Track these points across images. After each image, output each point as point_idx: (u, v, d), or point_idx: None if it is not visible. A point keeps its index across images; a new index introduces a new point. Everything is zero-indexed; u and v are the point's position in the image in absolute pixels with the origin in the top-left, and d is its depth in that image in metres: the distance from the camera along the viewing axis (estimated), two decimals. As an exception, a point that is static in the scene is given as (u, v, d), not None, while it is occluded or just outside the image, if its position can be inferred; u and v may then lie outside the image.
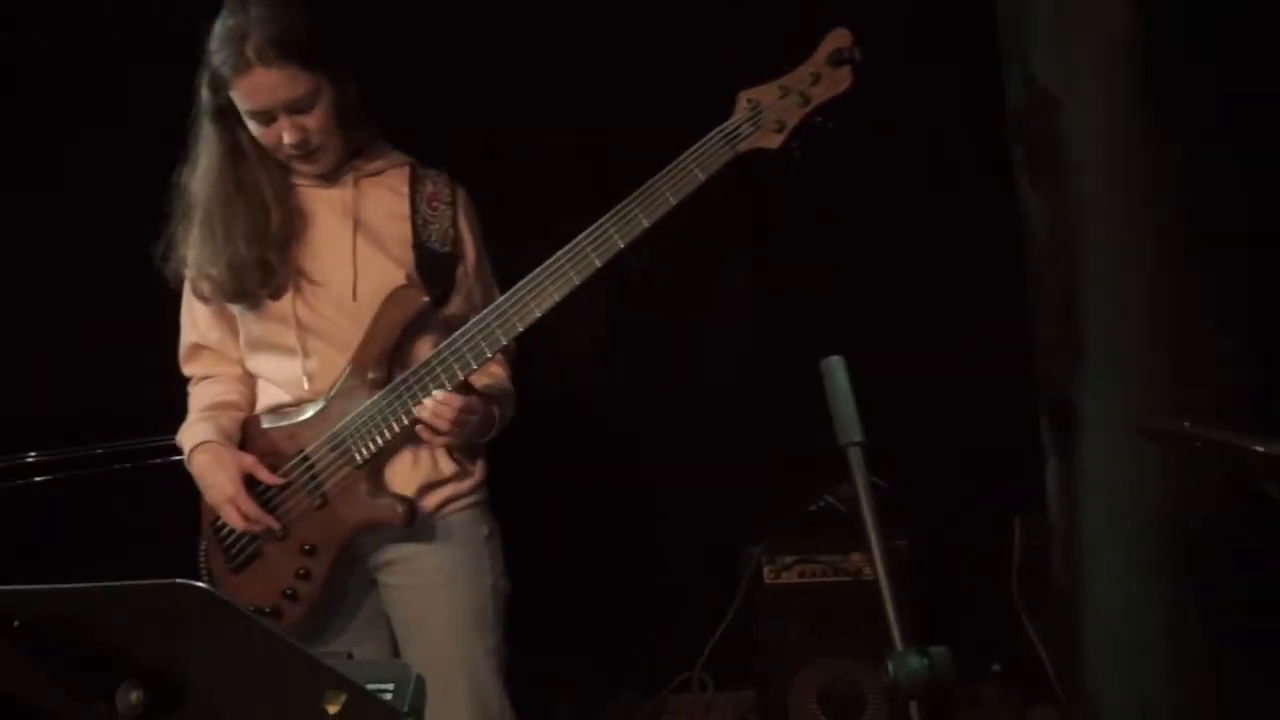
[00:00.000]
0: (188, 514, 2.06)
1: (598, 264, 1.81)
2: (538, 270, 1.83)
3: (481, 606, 1.99)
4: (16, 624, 1.04)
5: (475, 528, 2.01)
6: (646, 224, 1.79)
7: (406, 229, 1.98)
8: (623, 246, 1.80)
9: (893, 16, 2.75)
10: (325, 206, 1.98)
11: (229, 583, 1.98)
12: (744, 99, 1.79)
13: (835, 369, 1.25)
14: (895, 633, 1.11)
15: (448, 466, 1.96)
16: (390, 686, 1.10)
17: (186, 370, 2.09)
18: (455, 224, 2.01)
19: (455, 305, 1.99)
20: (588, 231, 1.81)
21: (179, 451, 2.01)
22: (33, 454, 2.66)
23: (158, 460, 2.55)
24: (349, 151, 1.98)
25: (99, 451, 2.64)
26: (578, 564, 2.88)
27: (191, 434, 1.96)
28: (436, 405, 1.84)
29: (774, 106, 1.78)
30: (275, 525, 1.91)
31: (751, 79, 1.81)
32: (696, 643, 3.07)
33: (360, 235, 1.96)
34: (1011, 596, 2.95)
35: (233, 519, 1.90)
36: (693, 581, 3.14)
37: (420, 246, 1.98)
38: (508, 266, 2.01)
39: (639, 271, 2.60)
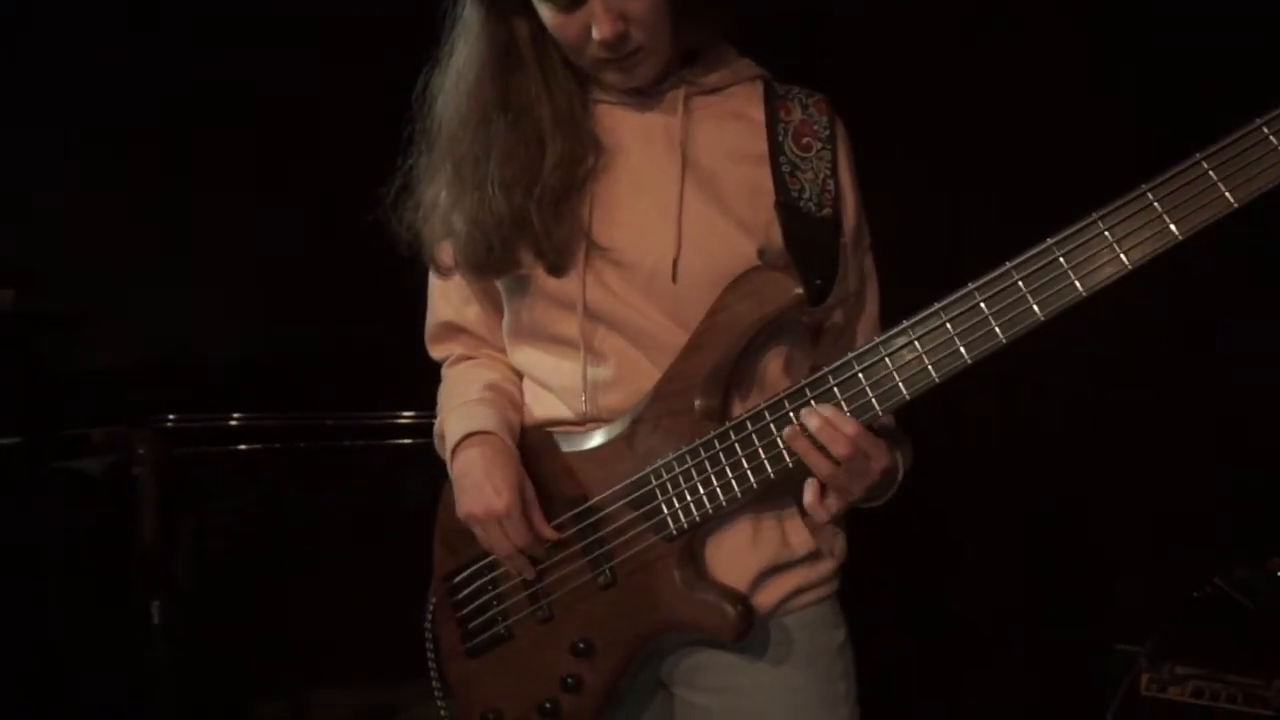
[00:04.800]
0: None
1: (1082, 293, 1.09)
2: (991, 280, 1.12)
3: None
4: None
5: (828, 632, 1.34)
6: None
7: (764, 177, 1.29)
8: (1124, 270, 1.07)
9: None
10: (639, 136, 1.31)
11: (461, 669, 1.39)
12: None
13: None
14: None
15: (801, 542, 1.29)
16: None
17: (435, 354, 1.50)
18: (835, 172, 1.31)
19: (830, 297, 1.30)
20: (1076, 232, 1.09)
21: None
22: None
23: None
24: (679, 56, 1.30)
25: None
26: (889, 646, 2.22)
27: (464, 417, 1.34)
28: (828, 422, 1.16)
29: None
30: (529, 573, 1.31)
31: None
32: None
33: (690, 182, 1.28)
34: None
35: (494, 540, 1.29)
36: (1043, 676, 2.43)
37: (787, 206, 1.28)
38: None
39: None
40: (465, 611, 1.38)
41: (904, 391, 1.16)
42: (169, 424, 2.65)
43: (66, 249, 2.93)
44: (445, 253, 1.34)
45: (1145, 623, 2.08)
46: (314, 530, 2.93)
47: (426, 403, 2.72)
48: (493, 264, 1.28)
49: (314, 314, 3.16)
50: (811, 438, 1.17)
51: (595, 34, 1.20)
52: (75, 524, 2.68)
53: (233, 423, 2.64)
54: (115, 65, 3.00)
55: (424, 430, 2.71)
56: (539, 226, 1.25)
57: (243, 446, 2.64)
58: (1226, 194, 1.04)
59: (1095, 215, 1.08)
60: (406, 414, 2.64)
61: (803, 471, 1.20)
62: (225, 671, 2.75)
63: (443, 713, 1.40)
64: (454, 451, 1.33)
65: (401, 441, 2.71)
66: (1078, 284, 1.08)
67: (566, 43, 1.24)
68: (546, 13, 1.22)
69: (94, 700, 2.61)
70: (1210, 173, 1.04)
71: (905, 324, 1.16)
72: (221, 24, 2.99)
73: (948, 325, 1.13)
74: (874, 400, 1.17)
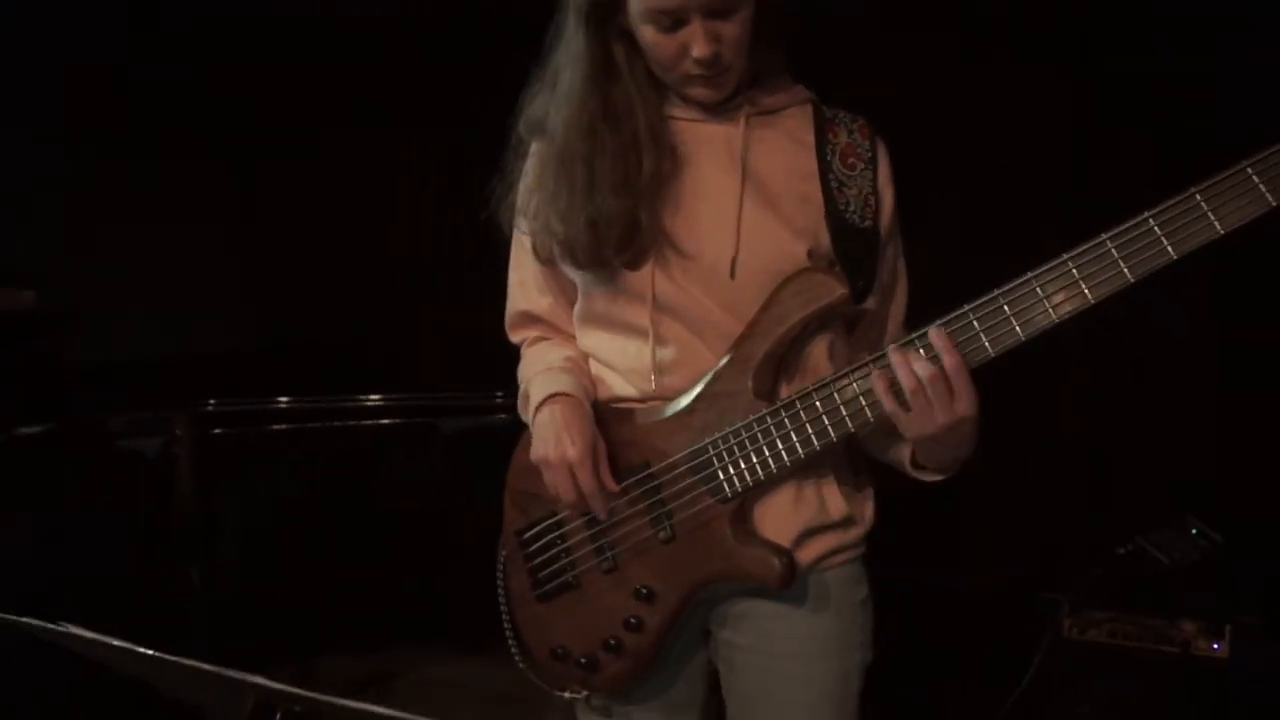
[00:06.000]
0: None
1: (1090, 298, 1.31)
2: (1017, 284, 1.33)
3: (845, 686, 1.54)
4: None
5: (854, 589, 1.55)
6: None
7: (814, 191, 1.49)
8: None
9: None
10: (706, 149, 1.50)
11: (532, 612, 1.58)
12: None
13: None
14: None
15: (838, 507, 1.50)
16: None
17: (514, 339, 1.69)
18: (876, 189, 1.51)
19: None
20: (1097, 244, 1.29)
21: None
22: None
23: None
24: (745, 79, 1.50)
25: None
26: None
27: (548, 381, 1.53)
28: (941, 335, 1.33)
29: None
30: (603, 513, 1.49)
31: None
32: (978, 697, 2.59)
33: (749, 191, 1.48)
34: None
35: (561, 485, 1.47)
36: (978, 624, 2.66)
37: (834, 217, 1.48)
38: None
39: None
40: (535, 563, 1.57)
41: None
42: (209, 408, 2.85)
43: (86, 251, 3.09)
44: (544, 247, 1.52)
45: (1074, 576, 2.35)
46: (331, 506, 3.12)
47: (427, 386, 2.91)
48: (597, 258, 1.46)
49: (332, 306, 3.33)
50: (915, 354, 1.33)
51: (695, 52, 1.38)
52: (124, 499, 2.86)
53: (280, 405, 2.83)
54: (133, 65, 3.14)
55: (426, 411, 2.91)
56: (646, 226, 1.44)
57: (270, 428, 2.85)
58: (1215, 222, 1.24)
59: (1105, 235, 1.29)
60: (379, 398, 2.90)
61: (842, 446, 1.41)
62: (241, 637, 2.92)
63: (513, 650, 1.59)
64: (537, 409, 1.52)
65: (395, 421, 2.94)
66: (1084, 292, 1.29)
67: (663, 60, 1.43)
68: (648, 32, 1.40)
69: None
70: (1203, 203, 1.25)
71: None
72: (223, 25, 3.14)
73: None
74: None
